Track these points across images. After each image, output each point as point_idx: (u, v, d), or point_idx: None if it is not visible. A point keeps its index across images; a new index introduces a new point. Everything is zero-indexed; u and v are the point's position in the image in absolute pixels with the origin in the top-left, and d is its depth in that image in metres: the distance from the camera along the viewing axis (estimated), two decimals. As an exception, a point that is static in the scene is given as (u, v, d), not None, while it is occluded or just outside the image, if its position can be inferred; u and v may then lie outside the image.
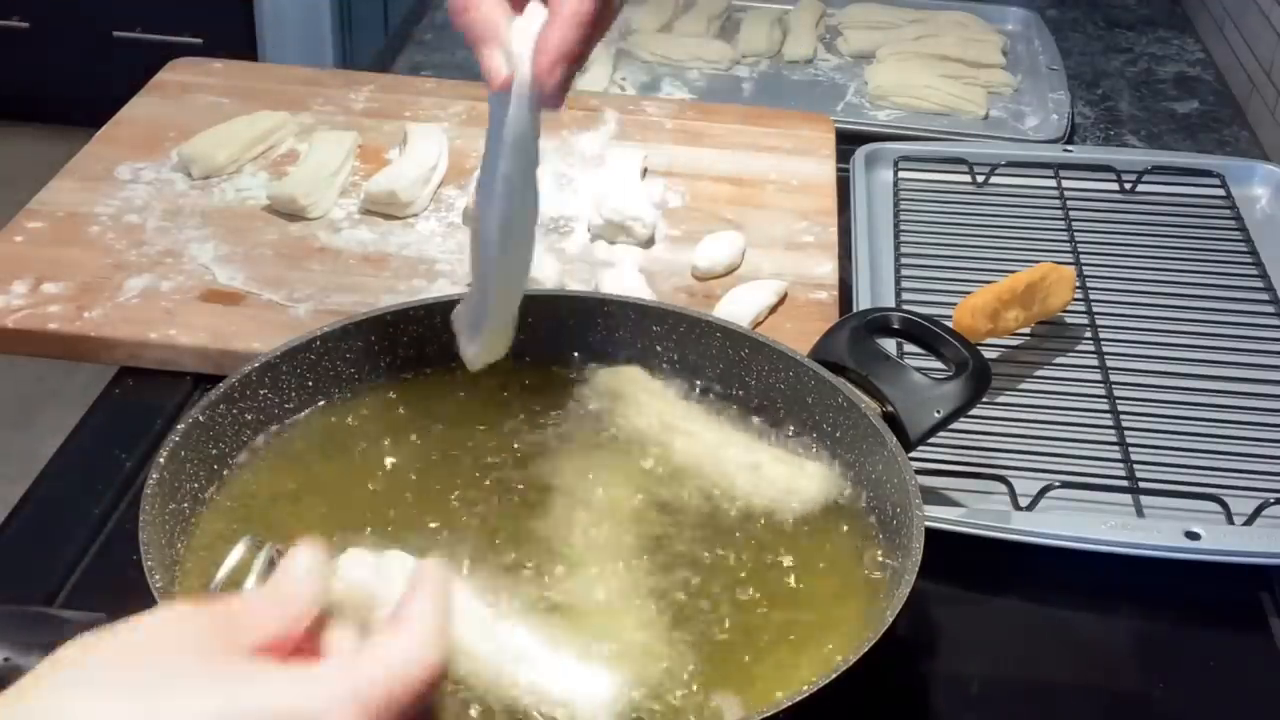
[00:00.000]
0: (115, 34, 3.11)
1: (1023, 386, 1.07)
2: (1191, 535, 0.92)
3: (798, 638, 0.76)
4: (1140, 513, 0.96)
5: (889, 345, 0.94)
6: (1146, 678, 0.88)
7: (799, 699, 0.65)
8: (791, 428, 0.90)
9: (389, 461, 0.87)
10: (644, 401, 0.91)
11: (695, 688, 0.73)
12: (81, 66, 3.14)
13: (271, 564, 0.65)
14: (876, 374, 0.88)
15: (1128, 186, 1.33)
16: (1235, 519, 0.93)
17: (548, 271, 1.13)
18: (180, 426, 0.81)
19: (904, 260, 1.20)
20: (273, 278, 1.14)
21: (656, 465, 0.87)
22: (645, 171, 1.32)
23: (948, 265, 1.20)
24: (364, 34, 2.99)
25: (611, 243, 1.21)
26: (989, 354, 0.99)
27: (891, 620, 0.70)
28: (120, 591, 0.82)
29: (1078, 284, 1.16)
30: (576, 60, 0.73)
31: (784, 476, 0.86)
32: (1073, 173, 1.35)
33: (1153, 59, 1.73)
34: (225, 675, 0.51)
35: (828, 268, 1.20)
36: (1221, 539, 0.92)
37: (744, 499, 0.85)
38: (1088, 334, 1.13)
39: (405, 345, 0.92)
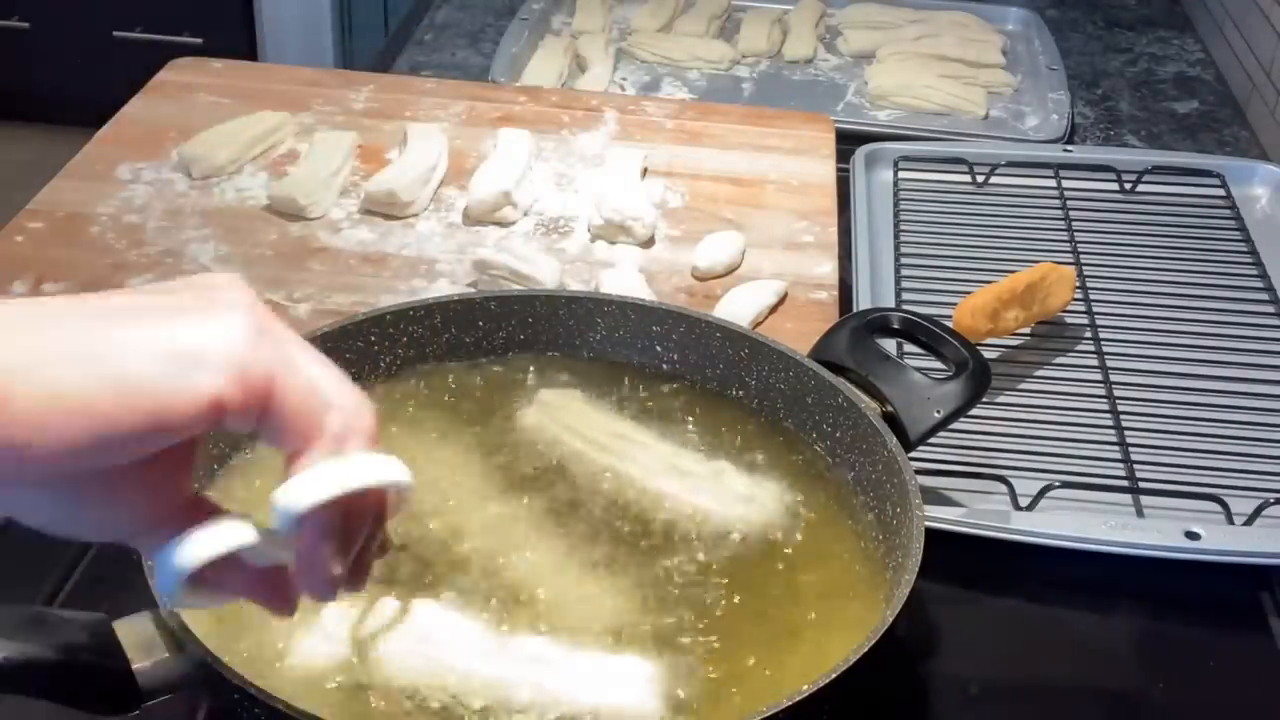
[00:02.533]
0: (115, 34, 3.10)
1: (1023, 386, 1.07)
2: (1191, 535, 0.92)
3: (797, 638, 0.76)
4: (1140, 513, 0.96)
5: (889, 345, 0.94)
6: (1146, 678, 0.88)
7: (799, 699, 0.65)
8: (790, 427, 0.90)
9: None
10: (588, 417, 0.91)
11: (698, 688, 0.73)
12: (81, 66, 3.14)
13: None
14: (876, 374, 0.88)
15: (1128, 186, 1.33)
16: (1235, 519, 0.93)
17: (548, 271, 1.13)
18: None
19: (904, 260, 1.20)
20: (273, 278, 1.14)
21: (621, 470, 0.87)
22: (645, 171, 1.32)
23: (948, 265, 1.20)
24: (364, 34, 2.99)
25: (611, 243, 1.21)
26: (989, 354, 0.99)
27: (891, 620, 0.70)
28: (120, 591, 0.83)
29: (1078, 284, 1.16)
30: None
31: (744, 485, 0.86)
32: (1073, 173, 1.34)
33: (1153, 59, 1.73)
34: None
35: (828, 268, 1.20)
36: (1221, 539, 0.92)
37: (714, 507, 0.84)
38: (1088, 334, 1.13)
39: (405, 345, 0.92)
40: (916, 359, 0.94)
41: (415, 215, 1.24)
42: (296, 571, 0.57)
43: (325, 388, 0.55)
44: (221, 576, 0.57)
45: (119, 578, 0.85)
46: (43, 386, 0.49)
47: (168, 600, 0.59)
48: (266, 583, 0.58)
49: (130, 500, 0.55)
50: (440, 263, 1.18)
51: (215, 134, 1.30)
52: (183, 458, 0.56)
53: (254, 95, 1.40)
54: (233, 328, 0.52)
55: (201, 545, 0.55)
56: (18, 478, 0.51)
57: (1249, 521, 0.93)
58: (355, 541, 0.57)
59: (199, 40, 2.96)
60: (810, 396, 0.89)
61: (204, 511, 0.57)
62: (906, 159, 1.35)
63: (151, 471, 0.54)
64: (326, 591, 0.57)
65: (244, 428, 0.53)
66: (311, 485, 0.54)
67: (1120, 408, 1.05)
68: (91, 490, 0.54)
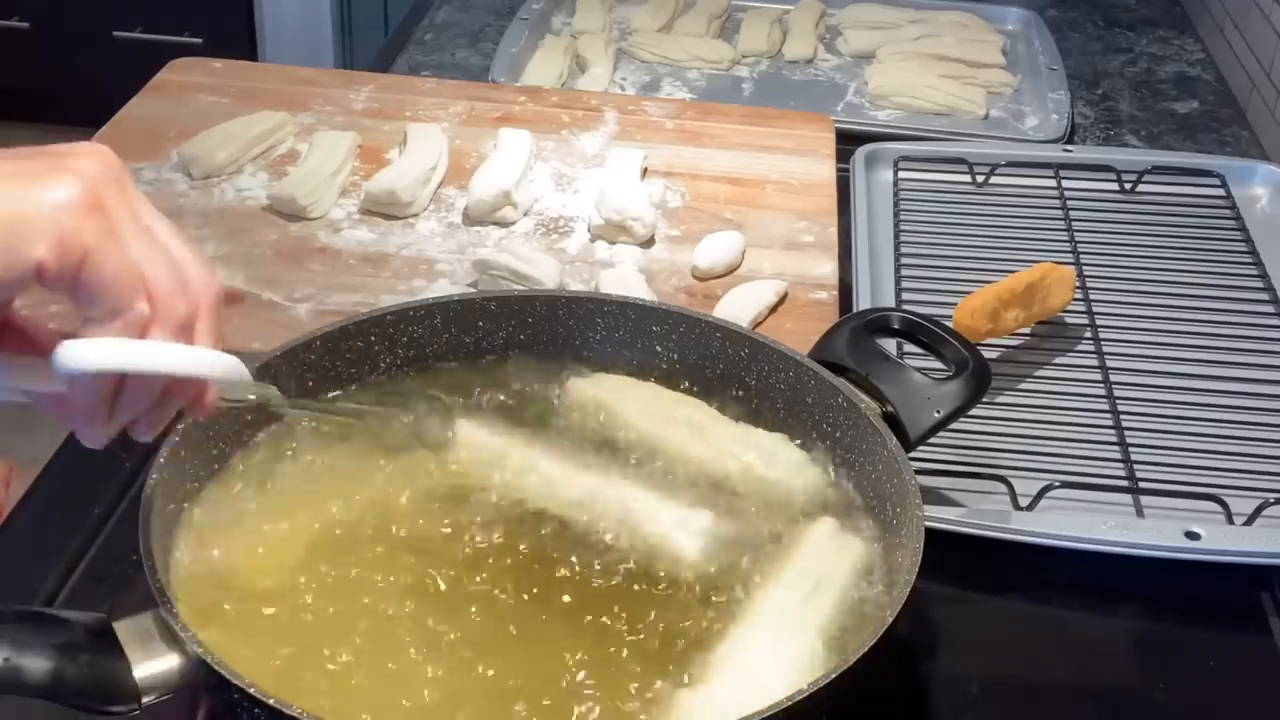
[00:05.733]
0: (115, 34, 3.10)
1: (1023, 386, 1.07)
2: (1191, 535, 0.92)
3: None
4: (1140, 513, 0.96)
5: (889, 345, 0.94)
6: (1146, 678, 0.88)
7: (799, 699, 0.65)
8: (791, 427, 0.90)
9: (388, 460, 0.87)
10: (636, 396, 0.92)
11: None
12: (81, 66, 3.14)
13: None
14: (876, 374, 0.88)
15: (1128, 186, 1.33)
16: (1235, 519, 0.93)
17: (548, 271, 1.13)
18: (180, 426, 0.81)
19: (904, 260, 1.20)
20: (273, 278, 1.14)
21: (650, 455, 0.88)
22: (645, 171, 1.32)
23: (948, 265, 1.20)
24: (364, 34, 2.99)
25: (611, 243, 1.21)
26: (989, 354, 0.99)
27: (891, 620, 0.70)
28: (120, 591, 0.83)
29: (1078, 284, 1.16)
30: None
31: (799, 457, 0.87)
32: (1073, 173, 1.34)
33: (1153, 59, 1.73)
34: None
35: (828, 268, 1.20)
36: (1221, 539, 0.92)
37: (752, 475, 0.86)
38: (1088, 334, 1.13)
39: (405, 345, 0.92)
40: (916, 359, 0.94)
41: (415, 215, 1.24)
42: (60, 412, 0.62)
43: (150, 272, 0.60)
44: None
45: (119, 578, 0.85)
46: None
47: None
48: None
49: None
50: (440, 263, 1.18)
51: (215, 134, 1.30)
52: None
53: (254, 95, 1.40)
54: (61, 198, 0.57)
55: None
56: None
57: (1249, 521, 0.93)
58: (132, 409, 0.62)
59: (199, 40, 2.96)
60: (810, 396, 0.89)
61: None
62: (906, 159, 1.35)
63: None
64: (90, 440, 0.63)
65: (61, 291, 0.58)
66: (88, 353, 0.59)
67: (1120, 408, 1.05)
68: None
